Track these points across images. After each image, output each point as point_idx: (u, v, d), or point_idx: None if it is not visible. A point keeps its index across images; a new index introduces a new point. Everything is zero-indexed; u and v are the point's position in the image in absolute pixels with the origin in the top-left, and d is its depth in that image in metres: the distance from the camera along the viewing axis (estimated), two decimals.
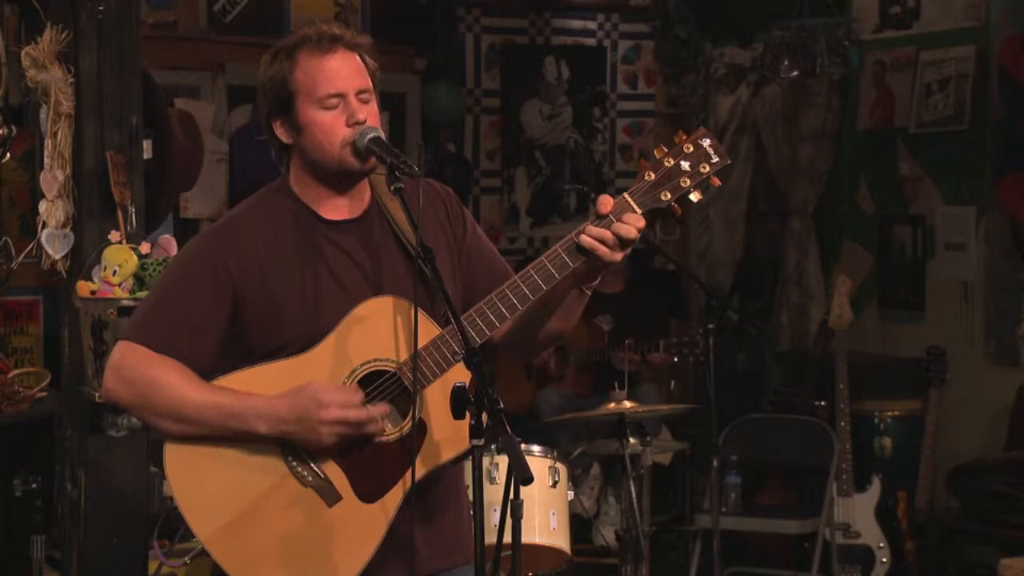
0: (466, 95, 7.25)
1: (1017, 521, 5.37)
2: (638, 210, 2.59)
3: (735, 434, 5.97)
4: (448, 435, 2.61)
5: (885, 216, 6.60)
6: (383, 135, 2.66)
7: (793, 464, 6.08)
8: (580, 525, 5.37)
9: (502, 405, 2.44)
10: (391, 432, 2.61)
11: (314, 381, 2.58)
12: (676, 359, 5.83)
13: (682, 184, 2.59)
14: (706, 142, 2.61)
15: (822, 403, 6.10)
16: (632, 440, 4.70)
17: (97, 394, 4.03)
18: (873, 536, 5.69)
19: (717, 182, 2.62)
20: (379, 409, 2.59)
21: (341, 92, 2.64)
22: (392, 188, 2.60)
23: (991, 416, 5.98)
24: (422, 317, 2.60)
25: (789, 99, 6.84)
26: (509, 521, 2.84)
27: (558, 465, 4.30)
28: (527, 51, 7.45)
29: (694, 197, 2.60)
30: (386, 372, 2.63)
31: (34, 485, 4.50)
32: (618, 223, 2.58)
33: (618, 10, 7.59)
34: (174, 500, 2.64)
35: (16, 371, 4.86)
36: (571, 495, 4.37)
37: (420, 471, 2.60)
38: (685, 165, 2.59)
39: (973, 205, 6.11)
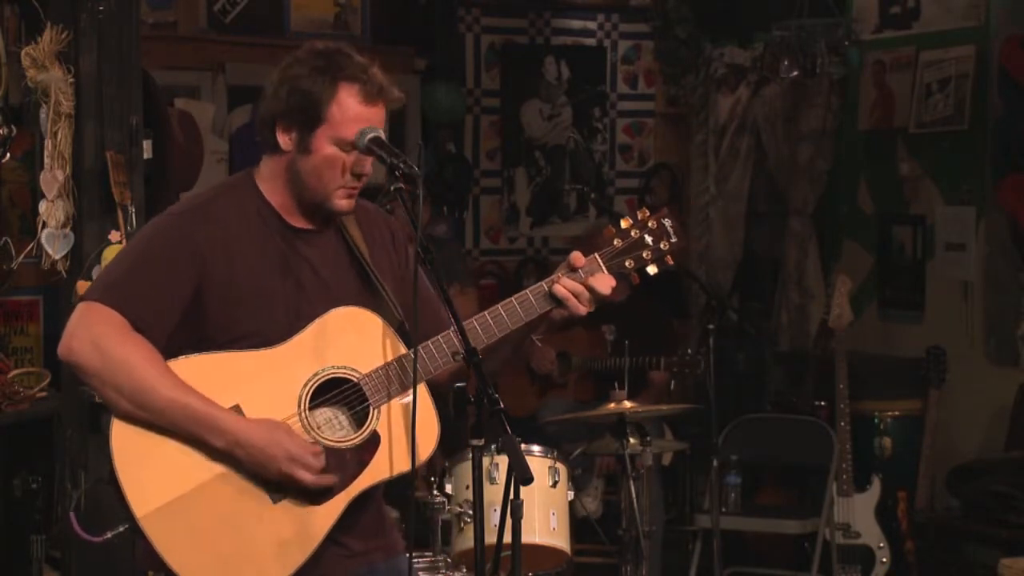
0: (466, 95, 7.25)
1: (1017, 521, 5.37)
2: (606, 271, 2.76)
3: (735, 434, 5.97)
4: (397, 452, 2.67)
5: (885, 216, 6.60)
6: (383, 135, 2.68)
7: (793, 464, 6.08)
8: (581, 525, 5.36)
9: (502, 405, 2.47)
10: (345, 441, 2.67)
11: (285, 427, 2.62)
12: (674, 381, 5.87)
13: (644, 256, 2.79)
14: (667, 222, 2.82)
15: (822, 403, 6.10)
16: (632, 440, 4.70)
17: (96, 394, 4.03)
18: (873, 536, 5.69)
19: (671, 261, 2.83)
20: (329, 478, 2.64)
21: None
22: (392, 188, 2.65)
23: (991, 416, 5.98)
24: (390, 334, 2.69)
25: (789, 99, 6.84)
26: (509, 521, 2.84)
27: (558, 465, 4.30)
28: (527, 51, 7.44)
29: (651, 270, 2.81)
30: (347, 380, 2.68)
31: (34, 485, 4.50)
32: (593, 278, 2.73)
33: (618, 10, 7.59)
34: (116, 476, 2.61)
35: (16, 371, 4.85)
36: (571, 495, 4.37)
37: (366, 482, 2.67)
38: (648, 240, 2.81)
39: (973, 205, 6.11)
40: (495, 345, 2.75)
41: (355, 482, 2.66)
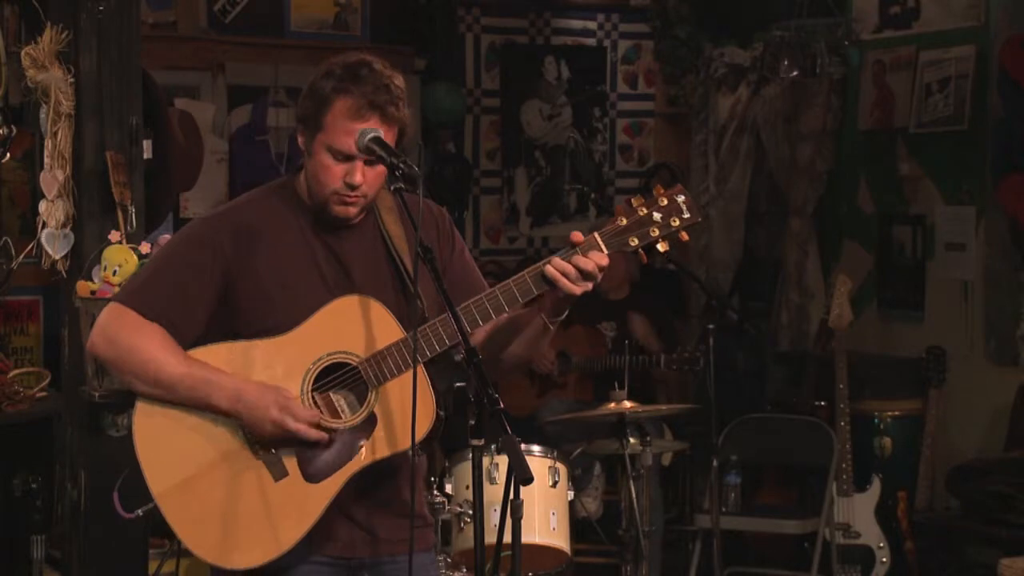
0: (466, 95, 7.25)
1: (1017, 521, 5.37)
2: (604, 250, 2.72)
3: (735, 434, 5.97)
4: (394, 432, 2.74)
5: (885, 216, 6.60)
6: (382, 135, 2.71)
7: (793, 464, 6.08)
8: (581, 525, 5.36)
9: (502, 405, 2.49)
10: (342, 422, 2.75)
11: (282, 388, 2.73)
12: (674, 377, 5.87)
13: (651, 233, 2.74)
14: (681, 198, 2.77)
15: (822, 403, 6.10)
16: (632, 440, 4.70)
17: (97, 393, 4.03)
18: (873, 536, 5.69)
19: (685, 237, 2.78)
20: (320, 434, 2.72)
21: (352, 155, 2.73)
22: (392, 188, 2.70)
23: (991, 416, 5.98)
24: (388, 319, 2.76)
25: (789, 99, 6.83)
26: (509, 521, 2.84)
27: (558, 465, 4.31)
28: (527, 51, 7.44)
29: (660, 247, 2.75)
30: (347, 364, 2.77)
31: (34, 485, 4.51)
32: (579, 257, 2.70)
33: (618, 10, 7.59)
34: (137, 457, 2.77)
35: (16, 371, 4.86)
36: (571, 495, 4.37)
37: (363, 461, 2.74)
38: (657, 216, 2.75)
39: (973, 205, 6.11)
40: (499, 329, 2.82)
41: (351, 461, 2.73)
